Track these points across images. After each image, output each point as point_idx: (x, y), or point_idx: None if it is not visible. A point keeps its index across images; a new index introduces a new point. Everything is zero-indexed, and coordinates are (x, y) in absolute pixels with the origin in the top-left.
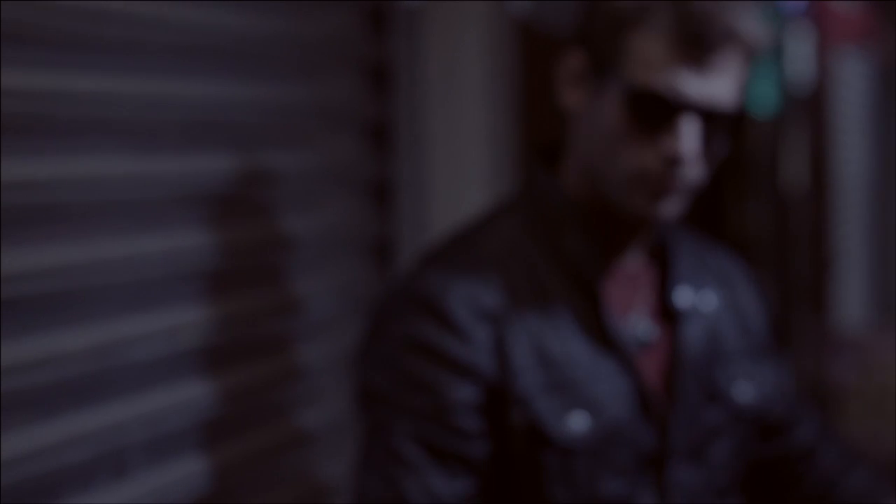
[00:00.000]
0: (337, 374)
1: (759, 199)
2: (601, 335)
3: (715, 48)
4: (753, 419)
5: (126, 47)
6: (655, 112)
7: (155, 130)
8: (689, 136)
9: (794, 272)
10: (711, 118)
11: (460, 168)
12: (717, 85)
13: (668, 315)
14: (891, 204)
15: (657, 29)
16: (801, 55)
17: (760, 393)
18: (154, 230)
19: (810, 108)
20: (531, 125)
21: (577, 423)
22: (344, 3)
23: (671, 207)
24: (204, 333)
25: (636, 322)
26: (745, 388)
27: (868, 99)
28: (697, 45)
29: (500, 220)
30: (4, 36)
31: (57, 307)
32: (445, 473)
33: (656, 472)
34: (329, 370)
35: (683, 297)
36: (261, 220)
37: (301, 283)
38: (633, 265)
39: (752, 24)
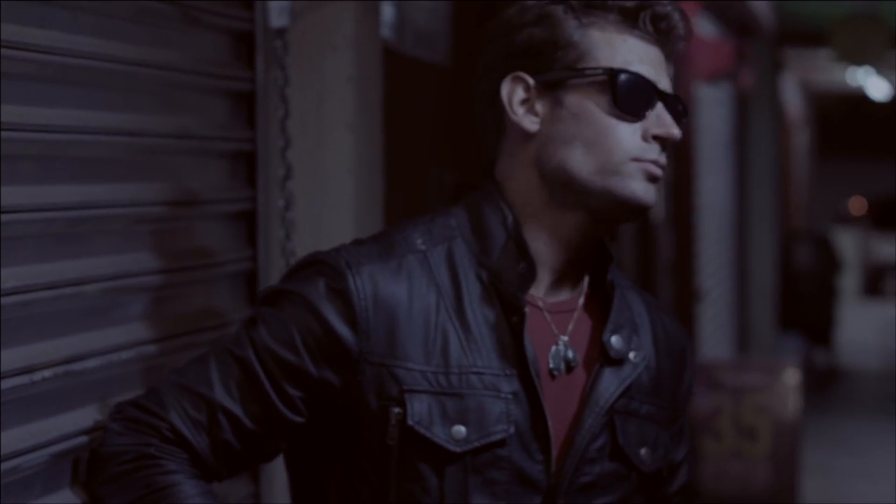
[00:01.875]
0: None
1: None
2: (512, 353)
3: (668, 35)
4: (646, 483)
5: None
6: (641, 95)
7: (13, 158)
8: (669, 120)
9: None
10: (677, 106)
11: (325, 198)
12: (668, 74)
13: (592, 356)
14: (751, 229)
15: (604, 24)
16: None
17: (659, 460)
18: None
19: None
20: (396, 153)
21: (458, 432)
22: (210, 29)
23: (656, 191)
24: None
25: (561, 349)
26: (646, 454)
27: (727, 127)
28: (652, 34)
29: (442, 222)
30: None
31: None
32: (255, 407)
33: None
34: None
35: (617, 343)
36: (126, 251)
37: (168, 311)
38: (572, 296)
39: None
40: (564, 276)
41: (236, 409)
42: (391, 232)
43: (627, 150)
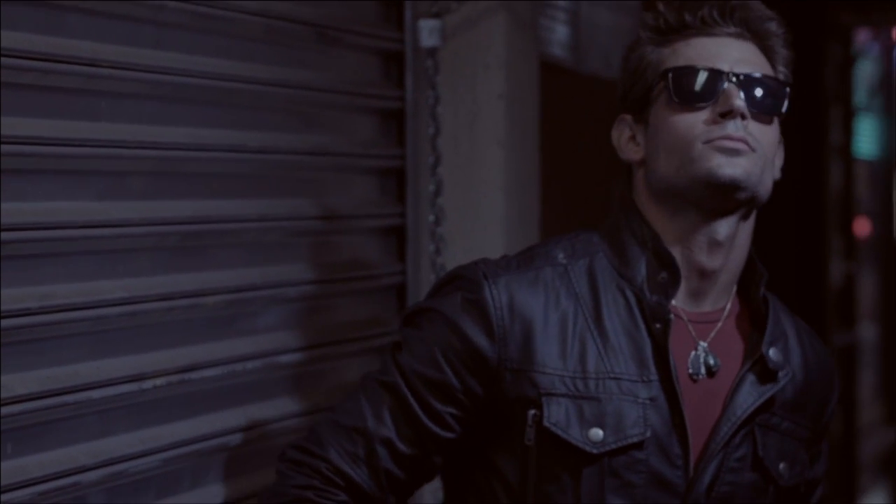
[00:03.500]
0: None
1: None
2: (652, 359)
3: (728, 33)
4: (783, 498)
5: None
6: (699, 84)
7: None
8: (736, 94)
9: None
10: (752, 84)
11: (476, 213)
12: (745, 64)
13: (736, 367)
14: None
15: (673, 40)
16: None
17: (797, 476)
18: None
19: None
20: (571, 169)
21: (595, 434)
22: (359, 50)
23: (744, 165)
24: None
25: (701, 354)
26: (785, 469)
27: None
28: (712, 32)
29: (586, 238)
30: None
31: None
32: (409, 431)
33: None
34: None
35: (775, 355)
36: (274, 263)
37: (316, 322)
38: (716, 308)
39: (755, 5)
40: (706, 287)
41: (391, 434)
42: (535, 247)
43: (695, 136)
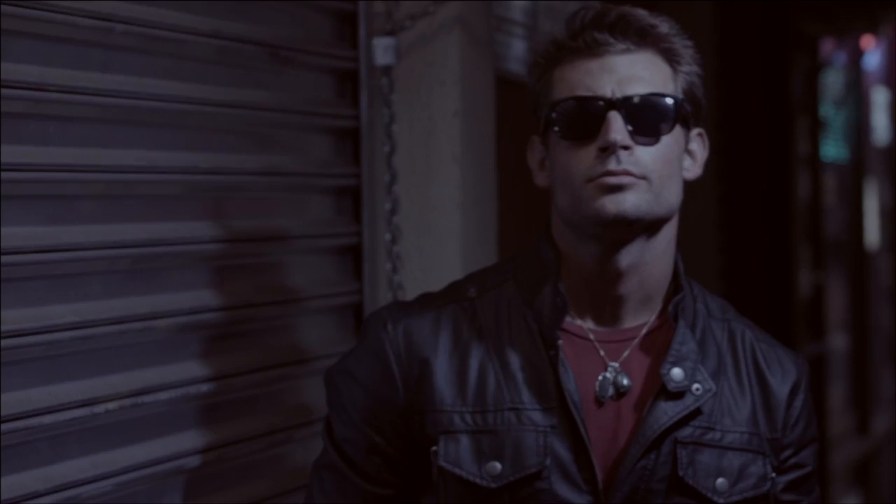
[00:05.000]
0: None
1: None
2: (552, 386)
3: (613, 50)
4: None
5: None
6: (581, 116)
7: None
8: (614, 125)
9: (874, 329)
10: (633, 108)
11: (433, 231)
12: (631, 83)
13: (652, 386)
14: None
15: (564, 58)
16: (881, 107)
17: (747, 489)
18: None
19: (892, 157)
20: (508, 187)
21: (493, 468)
22: (312, 69)
23: (631, 199)
24: None
25: (610, 376)
26: (724, 484)
27: None
28: (596, 51)
29: (499, 267)
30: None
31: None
32: (360, 483)
33: None
34: None
35: (677, 375)
36: (247, 279)
37: (271, 343)
38: (635, 326)
39: (638, 13)
40: (618, 311)
41: None
42: (452, 283)
43: (581, 175)
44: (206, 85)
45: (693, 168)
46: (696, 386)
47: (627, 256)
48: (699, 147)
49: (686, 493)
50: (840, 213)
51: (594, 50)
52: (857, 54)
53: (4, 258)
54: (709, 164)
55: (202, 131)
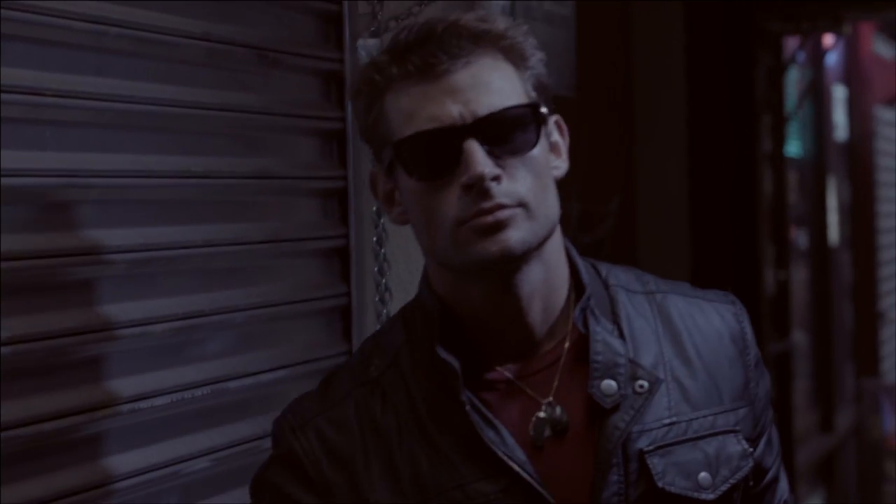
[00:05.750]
0: None
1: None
2: (487, 451)
3: (447, 66)
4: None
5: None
6: (434, 152)
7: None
8: (474, 157)
9: (836, 326)
10: (490, 128)
11: None
12: (478, 98)
13: (593, 403)
14: None
15: (391, 85)
16: (841, 104)
17: (734, 470)
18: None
19: (851, 154)
20: None
21: None
22: (298, 71)
23: (513, 234)
24: None
25: (544, 413)
26: (706, 478)
27: None
28: (427, 71)
29: (390, 328)
30: None
31: None
32: None
33: None
34: None
35: (608, 388)
36: (216, 289)
37: (260, 347)
38: (552, 349)
39: (466, 18)
40: (530, 339)
41: None
42: (345, 364)
43: (449, 219)
44: (197, 88)
45: (561, 164)
46: (639, 384)
47: (524, 284)
48: (560, 137)
49: (673, 500)
50: (802, 209)
51: (429, 71)
52: (818, 53)
53: (4, 264)
54: (680, 162)
55: (194, 135)
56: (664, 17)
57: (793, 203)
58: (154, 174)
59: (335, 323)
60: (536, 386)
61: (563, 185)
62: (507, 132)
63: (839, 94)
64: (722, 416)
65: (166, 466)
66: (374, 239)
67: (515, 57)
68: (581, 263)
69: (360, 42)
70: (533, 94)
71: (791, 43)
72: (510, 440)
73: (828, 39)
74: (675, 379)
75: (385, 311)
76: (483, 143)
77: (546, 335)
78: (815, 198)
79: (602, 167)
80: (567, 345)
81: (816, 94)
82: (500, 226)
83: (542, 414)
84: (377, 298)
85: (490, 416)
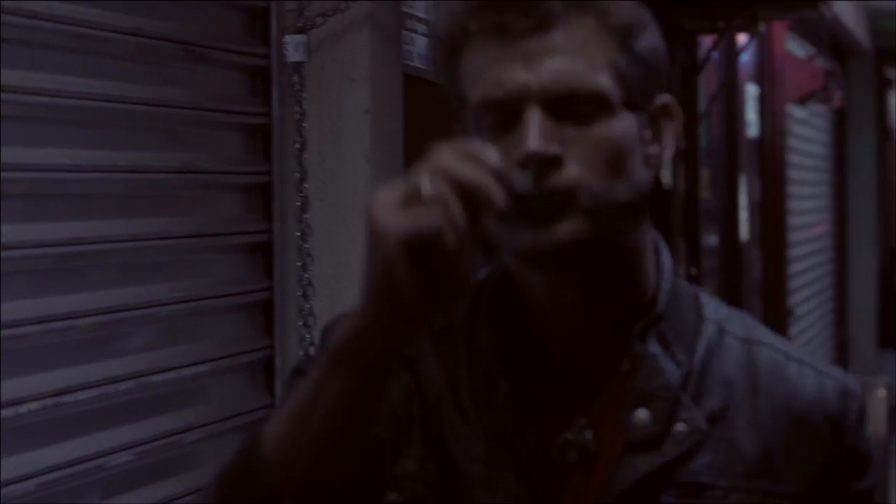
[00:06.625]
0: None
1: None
2: (507, 447)
3: (527, 27)
4: None
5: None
6: (504, 122)
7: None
8: (533, 130)
9: None
10: (563, 105)
11: (342, 228)
12: (551, 67)
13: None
14: (851, 247)
15: (469, 41)
16: (753, 102)
17: None
18: None
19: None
20: None
21: None
22: (224, 66)
23: (565, 229)
24: None
25: (573, 436)
26: None
27: (825, 146)
28: (506, 31)
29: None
30: None
31: None
32: None
33: None
34: None
35: (642, 419)
36: (134, 284)
37: (181, 342)
38: (609, 364)
39: None
40: (581, 342)
41: None
42: None
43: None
44: (125, 83)
45: (662, 150)
46: (679, 427)
47: (577, 283)
48: (668, 122)
49: None
50: (713, 206)
51: (506, 31)
52: (731, 51)
53: None
54: None
55: (121, 129)
56: None
57: (704, 199)
58: (81, 168)
59: (258, 317)
60: (576, 400)
61: None
62: (580, 109)
63: (752, 92)
64: (772, 499)
65: (90, 460)
66: (298, 234)
67: (615, 27)
68: (669, 281)
69: (287, 38)
70: (629, 72)
71: (705, 42)
72: (535, 440)
73: (741, 38)
74: (731, 438)
75: (308, 305)
76: (549, 116)
77: (607, 346)
78: (726, 195)
79: None
80: (626, 364)
81: (729, 93)
82: (550, 215)
83: (569, 435)
84: (300, 293)
85: (527, 406)
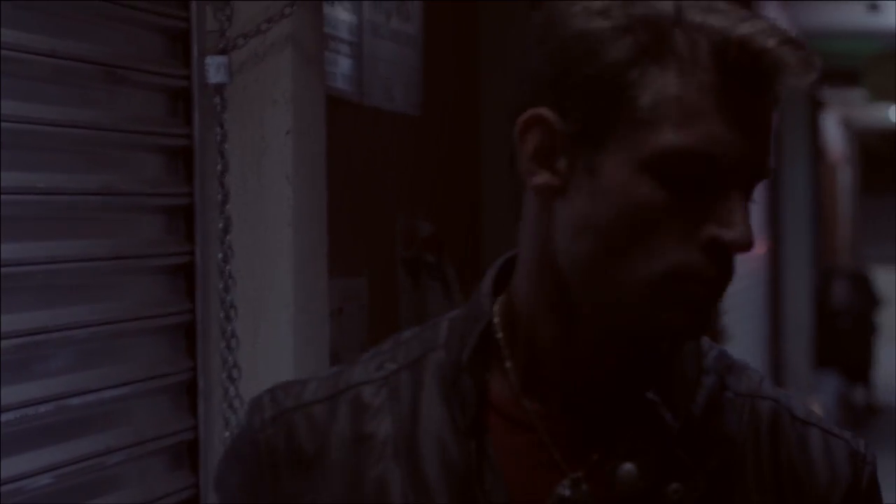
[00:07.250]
0: None
1: None
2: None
3: (762, 91)
4: None
5: None
6: (695, 184)
7: None
8: (743, 214)
9: None
10: (753, 189)
11: (265, 250)
12: (762, 142)
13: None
14: (785, 267)
15: (685, 62)
16: None
17: None
18: None
19: None
20: (360, 201)
21: None
22: (143, 87)
23: (710, 314)
24: None
25: (565, 490)
26: None
27: None
28: (746, 87)
29: (434, 325)
30: None
31: None
32: None
33: None
34: None
35: (627, 474)
36: (52, 306)
37: (101, 364)
38: (606, 412)
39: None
40: (598, 396)
41: None
42: (381, 344)
43: (664, 259)
44: (43, 104)
45: None
46: (673, 488)
47: (656, 354)
48: None
49: None
50: None
51: (745, 90)
52: None
53: None
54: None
55: (38, 151)
56: (512, 35)
57: None
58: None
59: (179, 340)
60: (567, 451)
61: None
62: (754, 196)
63: None
64: None
65: (8, 483)
66: (220, 256)
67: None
68: None
69: (209, 59)
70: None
71: None
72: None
73: None
74: (731, 499)
75: (230, 328)
76: (751, 201)
77: (606, 395)
78: None
79: (448, 185)
80: (625, 411)
81: None
82: (710, 304)
83: (565, 492)
84: (222, 315)
85: (494, 458)
